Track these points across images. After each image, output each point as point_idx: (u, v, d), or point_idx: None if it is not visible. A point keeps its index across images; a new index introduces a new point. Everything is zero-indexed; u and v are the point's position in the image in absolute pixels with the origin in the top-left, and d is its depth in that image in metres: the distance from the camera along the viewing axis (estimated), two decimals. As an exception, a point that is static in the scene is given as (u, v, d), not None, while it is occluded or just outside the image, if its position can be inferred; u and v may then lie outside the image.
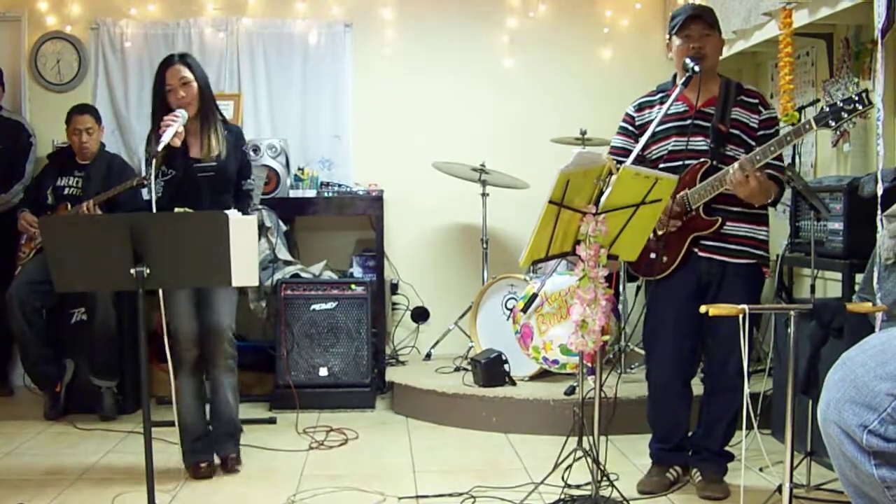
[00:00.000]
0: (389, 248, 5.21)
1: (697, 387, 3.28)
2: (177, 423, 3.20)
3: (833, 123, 2.72)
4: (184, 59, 3.46)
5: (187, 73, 3.41)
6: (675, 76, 3.19)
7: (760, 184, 2.87)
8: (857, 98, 2.68)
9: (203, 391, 3.52)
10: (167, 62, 3.44)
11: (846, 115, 2.70)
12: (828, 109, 2.72)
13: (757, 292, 3.13)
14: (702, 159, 3.04)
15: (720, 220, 3.03)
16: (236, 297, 3.56)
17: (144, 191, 3.33)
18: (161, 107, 3.41)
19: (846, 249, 3.43)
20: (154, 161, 3.13)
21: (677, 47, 3.10)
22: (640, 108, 3.24)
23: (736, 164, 2.87)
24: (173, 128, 3.22)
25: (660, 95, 3.21)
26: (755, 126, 3.06)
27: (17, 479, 3.40)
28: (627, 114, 3.26)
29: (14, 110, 5.10)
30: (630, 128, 3.23)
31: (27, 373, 4.53)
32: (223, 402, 3.48)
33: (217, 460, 3.50)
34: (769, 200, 3.00)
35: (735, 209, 3.05)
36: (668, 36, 3.18)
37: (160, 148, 3.16)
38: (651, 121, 3.08)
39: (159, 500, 2.58)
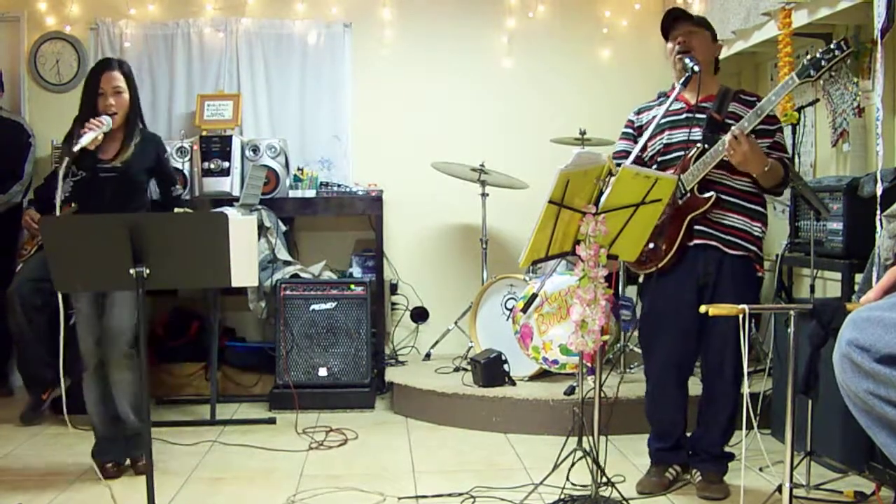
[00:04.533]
0: (389, 249, 5.21)
1: (696, 386, 3.28)
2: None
3: (814, 73, 2.80)
4: (122, 67, 3.46)
5: (122, 84, 3.42)
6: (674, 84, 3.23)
7: (752, 147, 2.88)
8: (835, 46, 2.77)
9: (107, 395, 3.44)
10: (106, 66, 3.44)
11: (826, 64, 2.78)
12: (808, 62, 2.80)
13: (753, 293, 3.12)
14: (697, 145, 3.07)
15: (714, 195, 3.04)
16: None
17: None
18: (88, 108, 3.40)
19: (846, 249, 3.43)
20: (66, 161, 3.14)
21: (669, 50, 3.20)
22: (639, 111, 3.32)
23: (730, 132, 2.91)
24: (93, 133, 3.23)
25: (659, 100, 3.28)
26: None
27: (15, 480, 3.40)
28: (628, 119, 3.34)
29: (13, 110, 5.10)
30: (630, 131, 3.31)
31: (20, 371, 4.50)
32: (120, 404, 3.43)
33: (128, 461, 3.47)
34: (766, 170, 2.93)
35: (730, 199, 3.06)
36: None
37: (76, 149, 3.16)
38: (650, 121, 3.15)
39: (158, 500, 2.58)
